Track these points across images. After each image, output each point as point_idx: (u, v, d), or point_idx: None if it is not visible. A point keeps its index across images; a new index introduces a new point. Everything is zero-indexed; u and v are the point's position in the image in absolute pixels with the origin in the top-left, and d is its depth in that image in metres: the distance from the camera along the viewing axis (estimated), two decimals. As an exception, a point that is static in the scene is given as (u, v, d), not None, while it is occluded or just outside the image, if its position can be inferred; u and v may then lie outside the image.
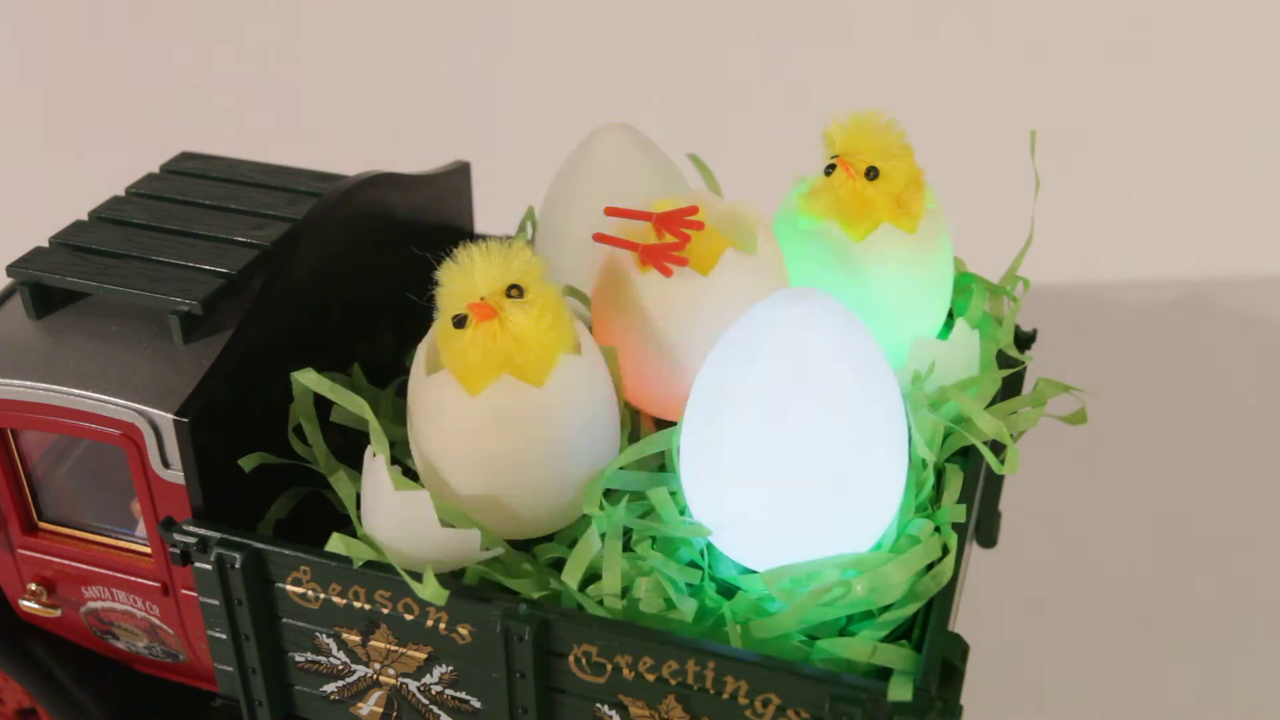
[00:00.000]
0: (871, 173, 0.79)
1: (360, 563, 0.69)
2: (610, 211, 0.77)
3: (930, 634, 0.65)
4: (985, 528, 1.00)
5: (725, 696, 0.65)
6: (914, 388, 0.77)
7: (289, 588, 0.72)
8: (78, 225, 0.84)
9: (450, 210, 1.00)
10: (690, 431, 0.69)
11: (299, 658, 0.75)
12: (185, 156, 0.94)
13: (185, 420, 0.72)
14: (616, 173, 0.88)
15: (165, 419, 0.73)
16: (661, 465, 0.77)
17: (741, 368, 0.65)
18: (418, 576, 0.67)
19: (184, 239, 0.82)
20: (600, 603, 0.69)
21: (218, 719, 0.81)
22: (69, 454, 0.83)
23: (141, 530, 0.80)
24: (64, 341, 0.78)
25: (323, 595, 0.71)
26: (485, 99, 1.90)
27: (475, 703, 0.72)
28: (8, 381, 0.77)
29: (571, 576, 0.68)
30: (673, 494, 0.72)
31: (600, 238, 0.76)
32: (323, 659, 0.74)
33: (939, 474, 0.76)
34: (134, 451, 0.74)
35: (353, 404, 0.74)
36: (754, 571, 0.70)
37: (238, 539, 0.71)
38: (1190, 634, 1.09)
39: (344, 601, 0.71)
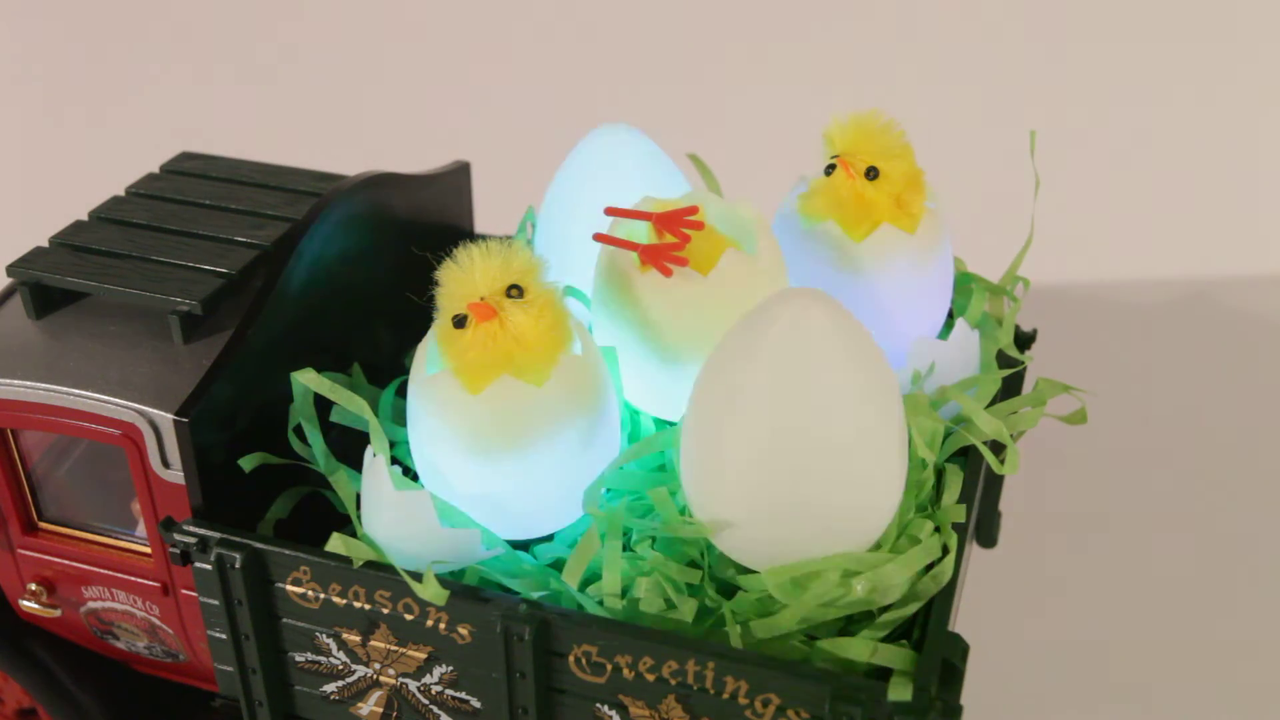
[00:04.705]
0: (871, 173, 0.79)
1: (360, 563, 0.69)
2: (610, 211, 0.77)
3: (930, 634, 0.65)
4: (985, 528, 1.00)
5: (725, 696, 0.65)
6: (914, 388, 0.77)
7: (289, 588, 0.72)
8: (78, 225, 0.84)
9: (450, 210, 1.00)
10: (690, 431, 0.69)
11: (299, 658, 0.75)
12: (185, 156, 0.94)
13: (185, 420, 0.72)
14: (616, 173, 0.88)
15: (165, 419, 0.73)
16: (661, 465, 0.77)
17: (741, 368, 0.65)
18: (418, 576, 0.67)
19: (184, 239, 0.82)
20: (600, 603, 0.69)
21: (218, 719, 0.81)
22: (69, 454, 0.83)
23: (141, 530, 0.80)
24: (64, 341, 0.78)
25: (323, 595, 0.71)
26: (485, 99, 1.90)
27: (475, 703, 0.72)
28: (8, 381, 0.77)
29: (571, 576, 0.68)
30: (673, 494, 0.72)
31: (600, 238, 0.76)
32: (323, 659, 0.74)
33: (939, 474, 0.76)
34: (134, 451, 0.74)
35: (353, 404, 0.74)
36: (754, 571, 0.70)
37: (238, 539, 0.71)
38: (1191, 634, 1.09)
39: (344, 601, 0.71)
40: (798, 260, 0.81)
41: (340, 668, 0.74)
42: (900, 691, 0.61)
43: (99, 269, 0.79)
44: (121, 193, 0.89)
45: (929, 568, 0.69)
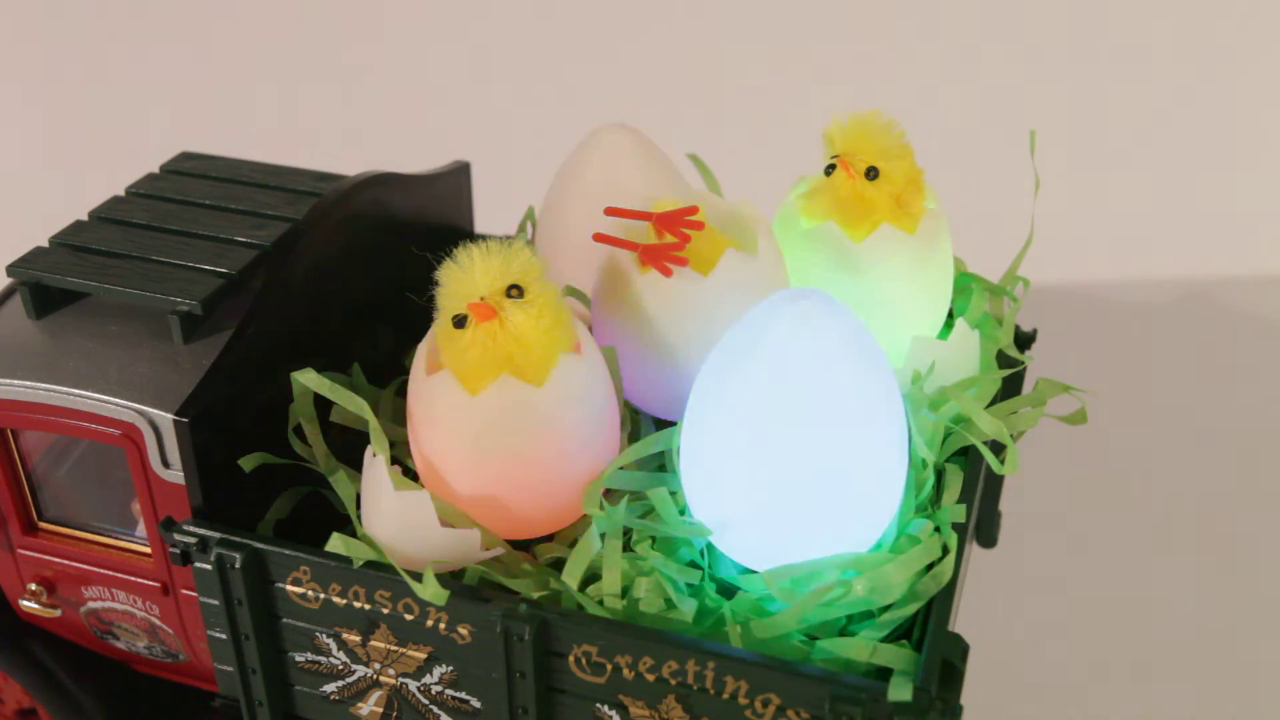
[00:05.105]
0: (871, 173, 0.79)
1: (360, 563, 0.69)
2: (610, 211, 0.77)
3: (930, 634, 0.65)
4: (985, 528, 1.00)
5: (725, 696, 0.65)
6: (914, 388, 0.77)
7: (289, 588, 0.72)
8: (78, 225, 0.84)
9: (450, 210, 1.00)
10: (690, 431, 0.69)
11: (299, 658, 0.75)
12: (185, 156, 0.94)
13: (185, 420, 0.72)
14: (616, 173, 0.88)
15: (165, 419, 0.73)
16: (661, 465, 0.77)
17: (742, 368, 0.65)
18: (418, 576, 0.67)
19: (184, 239, 0.82)
20: (600, 603, 0.69)
21: (217, 719, 0.81)
22: (69, 454, 0.83)
23: (141, 530, 0.80)
24: (64, 341, 0.78)
25: (323, 595, 0.71)
26: (485, 99, 1.90)
27: (475, 703, 0.72)
28: (8, 381, 0.77)
29: (571, 576, 0.68)
30: (673, 494, 0.72)
31: (600, 238, 0.76)
32: (323, 659, 0.74)
33: (939, 474, 0.76)
34: (134, 451, 0.74)
35: (353, 404, 0.74)
36: (754, 571, 0.70)
37: (238, 539, 0.71)
38: (1190, 634, 1.09)
39: (344, 601, 0.71)
40: (798, 260, 0.81)
41: (340, 668, 0.74)
42: (900, 691, 0.61)
43: (99, 269, 0.79)
44: (121, 193, 0.89)
45: (929, 568, 0.69)
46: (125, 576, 0.81)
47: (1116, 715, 1.03)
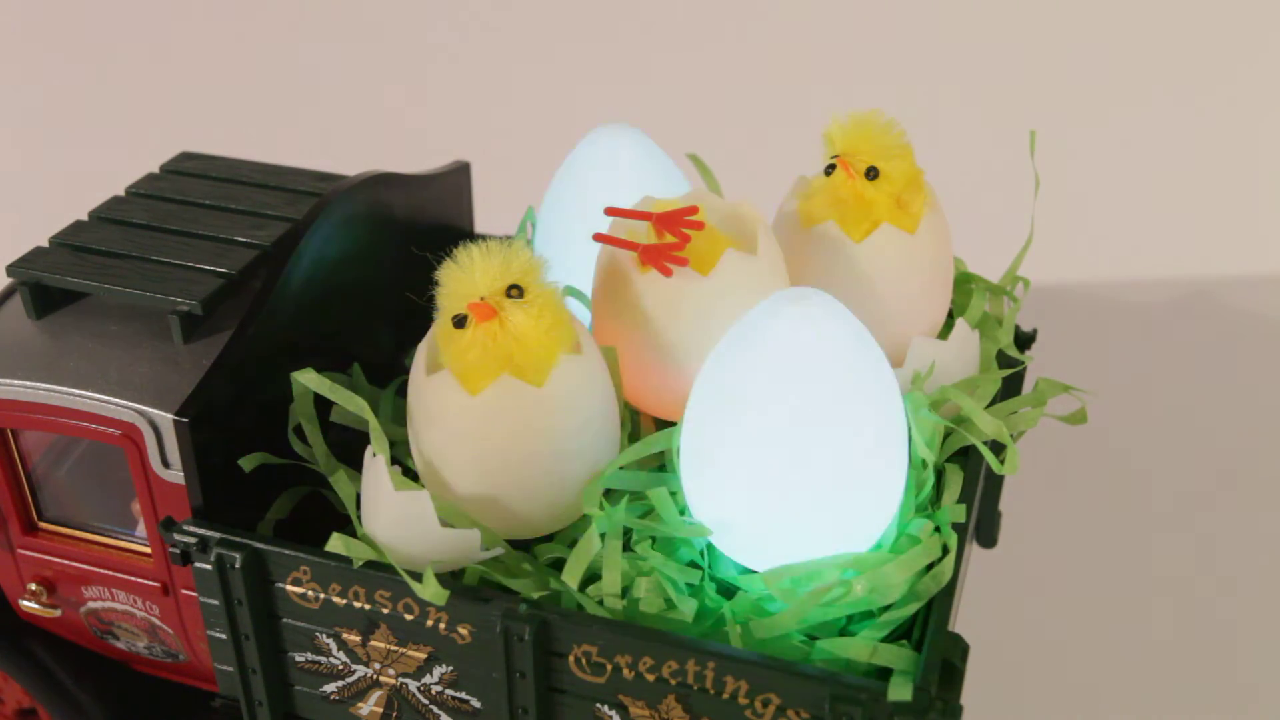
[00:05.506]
0: (871, 173, 0.79)
1: (360, 563, 0.69)
2: (610, 211, 0.77)
3: (930, 634, 0.65)
4: (985, 528, 1.00)
5: (725, 696, 0.65)
6: (914, 388, 0.77)
7: (289, 588, 0.72)
8: (78, 225, 0.84)
9: (450, 210, 1.00)
10: (690, 431, 0.69)
11: (299, 658, 0.75)
12: (185, 156, 0.94)
13: (185, 420, 0.72)
14: (616, 173, 0.88)
15: (165, 419, 0.73)
16: (661, 465, 0.77)
17: (741, 368, 0.65)
18: (418, 576, 0.67)
19: (184, 239, 0.82)
20: (600, 603, 0.69)
21: (217, 719, 0.81)
22: (69, 454, 0.83)
23: (141, 530, 0.80)
24: (64, 341, 0.78)
25: (323, 595, 0.71)
26: (485, 99, 1.90)
27: (475, 703, 0.72)
28: (8, 381, 0.77)
29: (571, 576, 0.68)
30: (673, 494, 0.72)
31: (600, 238, 0.76)
32: (323, 659, 0.74)
33: (939, 474, 0.76)
34: (134, 451, 0.75)
35: (353, 404, 0.74)
36: (754, 571, 0.70)
37: (238, 539, 0.71)
38: (1190, 634, 1.09)
39: (344, 601, 0.71)
40: (798, 260, 0.81)
41: (340, 668, 0.74)
42: (900, 691, 0.61)
43: (99, 269, 0.79)
44: (121, 193, 0.89)
45: (929, 568, 0.69)
46: (125, 576, 0.81)
47: (1116, 715, 1.03)
